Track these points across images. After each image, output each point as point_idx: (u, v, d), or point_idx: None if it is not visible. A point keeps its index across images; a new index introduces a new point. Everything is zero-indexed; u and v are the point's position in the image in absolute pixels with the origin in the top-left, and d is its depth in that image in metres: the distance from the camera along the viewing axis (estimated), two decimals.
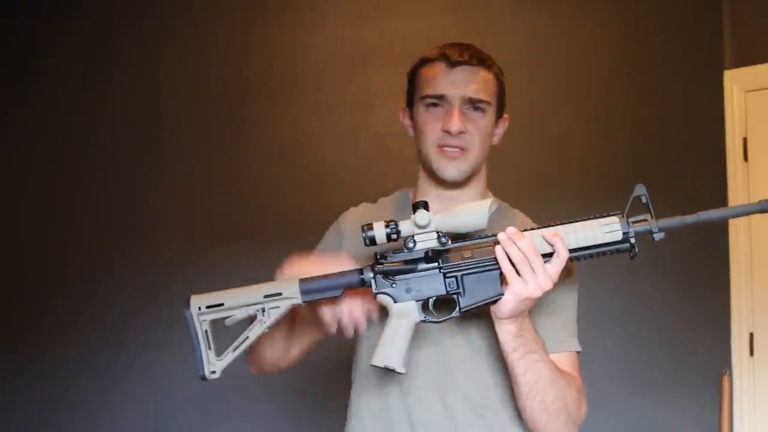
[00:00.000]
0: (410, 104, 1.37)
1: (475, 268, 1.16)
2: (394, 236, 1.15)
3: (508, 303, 1.13)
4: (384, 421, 1.28)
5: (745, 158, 2.78)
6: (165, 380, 2.70)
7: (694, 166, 2.79)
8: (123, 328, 2.71)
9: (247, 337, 1.18)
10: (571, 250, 1.13)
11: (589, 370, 2.72)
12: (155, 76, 2.88)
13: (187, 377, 2.69)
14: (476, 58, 1.30)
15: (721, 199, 2.77)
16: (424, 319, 1.17)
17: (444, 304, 1.18)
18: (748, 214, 1.15)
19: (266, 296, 1.18)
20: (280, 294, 1.18)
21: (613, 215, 1.14)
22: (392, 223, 1.15)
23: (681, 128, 2.80)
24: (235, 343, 1.18)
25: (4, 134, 2.89)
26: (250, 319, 1.19)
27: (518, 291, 1.12)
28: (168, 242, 2.78)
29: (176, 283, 2.75)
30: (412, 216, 1.15)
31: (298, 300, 1.18)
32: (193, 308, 1.19)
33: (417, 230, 1.15)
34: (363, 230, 1.15)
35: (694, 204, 2.86)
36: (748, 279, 2.75)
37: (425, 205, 1.16)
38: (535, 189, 2.76)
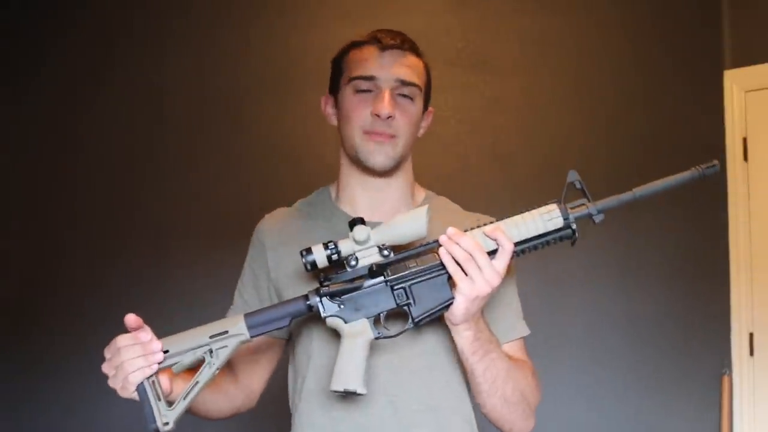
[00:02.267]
0: (334, 91, 1.32)
1: (421, 275, 1.13)
2: (334, 257, 1.12)
3: (459, 306, 1.11)
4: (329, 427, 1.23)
5: (745, 158, 2.78)
6: None
7: (693, 166, 2.79)
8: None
9: (197, 382, 1.12)
10: (515, 244, 1.11)
11: (590, 370, 2.74)
12: (155, 76, 2.88)
13: None
14: (408, 42, 1.28)
15: (721, 199, 2.77)
16: (377, 335, 1.14)
17: (396, 316, 1.16)
18: (682, 183, 1.19)
19: (212, 336, 1.13)
20: (226, 332, 1.13)
21: (551, 203, 1.14)
22: (331, 243, 1.12)
23: (681, 128, 2.80)
24: (185, 390, 1.12)
25: (5, 133, 2.89)
26: (199, 363, 1.13)
27: (467, 291, 1.10)
28: (168, 242, 2.78)
29: (177, 283, 2.76)
30: (350, 233, 1.12)
31: (245, 336, 1.13)
32: None
33: (357, 247, 1.12)
34: (302, 255, 1.12)
35: (693, 204, 2.88)
36: (748, 279, 2.75)
37: (361, 221, 1.13)
38: (535, 189, 2.75)
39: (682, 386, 2.70)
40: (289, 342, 1.34)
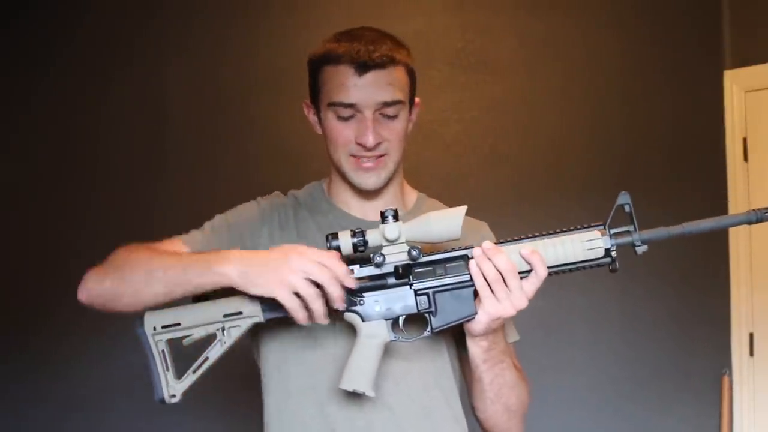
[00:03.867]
0: (314, 101, 1.26)
1: (447, 285, 1.09)
2: (361, 248, 1.08)
3: (481, 322, 1.08)
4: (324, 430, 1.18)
5: (745, 158, 2.78)
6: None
7: (694, 166, 2.79)
8: (128, 329, 2.70)
9: (207, 358, 1.11)
10: (549, 267, 1.07)
11: (590, 370, 2.74)
12: (161, 75, 2.87)
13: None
14: (386, 56, 1.17)
15: (721, 199, 2.77)
16: (394, 339, 1.11)
17: (414, 319, 1.13)
18: (734, 225, 1.12)
19: (226, 315, 1.11)
20: (240, 313, 1.10)
21: (595, 227, 1.08)
22: (359, 232, 1.08)
23: (681, 128, 2.80)
24: (195, 365, 1.11)
25: (12, 134, 2.89)
26: (210, 338, 1.12)
27: (491, 311, 1.07)
28: None
29: None
30: (381, 226, 1.08)
31: (259, 318, 1.11)
32: (148, 327, 1.12)
33: (386, 242, 1.09)
34: (327, 240, 1.08)
35: (693, 204, 2.88)
36: (748, 279, 2.75)
37: (394, 214, 1.09)
38: (534, 189, 2.76)
39: (682, 386, 2.71)
40: (259, 331, 1.24)
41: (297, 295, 1.04)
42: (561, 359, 2.67)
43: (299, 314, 1.05)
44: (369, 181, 1.22)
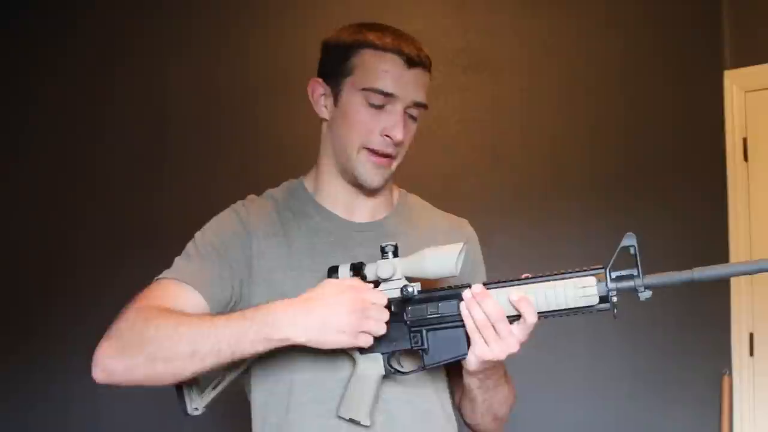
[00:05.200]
0: (332, 82, 1.21)
1: (440, 323, 1.08)
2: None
3: (471, 362, 1.08)
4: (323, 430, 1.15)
5: (745, 158, 2.78)
6: (154, 395, 2.70)
7: (693, 166, 2.79)
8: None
9: (224, 377, 1.15)
10: (540, 312, 1.03)
11: (590, 370, 2.74)
12: (161, 76, 2.87)
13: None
14: (428, 59, 1.19)
15: (721, 199, 2.77)
16: (390, 371, 1.12)
17: (409, 351, 1.13)
18: (746, 273, 1.04)
19: None
20: None
21: (595, 271, 1.02)
22: (358, 264, 1.10)
23: (681, 128, 2.80)
24: (215, 382, 1.14)
25: (13, 135, 2.89)
26: None
27: (480, 354, 1.05)
28: (174, 243, 2.77)
29: None
30: (377, 262, 1.09)
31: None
32: None
33: (381, 279, 1.09)
34: (328, 274, 1.10)
35: (693, 204, 2.87)
36: (748, 279, 2.75)
37: (394, 250, 1.09)
38: (535, 189, 2.76)
39: (682, 386, 2.70)
40: None
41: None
42: (561, 359, 2.67)
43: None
44: (375, 179, 1.19)
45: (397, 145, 1.17)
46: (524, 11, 2.84)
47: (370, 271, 1.10)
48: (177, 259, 1.21)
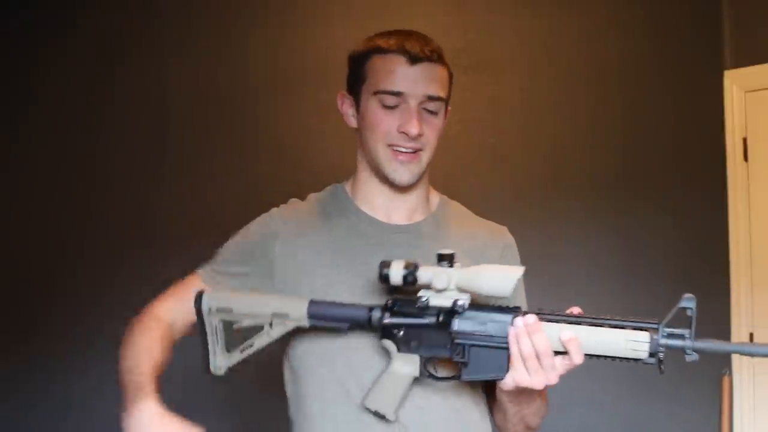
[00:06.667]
0: (353, 92, 1.27)
1: (485, 342, 1.09)
2: (410, 280, 1.09)
3: (508, 384, 1.09)
4: (356, 423, 1.19)
5: (745, 158, 2.79)
6: (166, 382, 2.70)
7: (693, 166, 2.79)
8: (126, 329, 2.70)
9: (252, 344, 1.18)
10: (586, 354, 1.05)
11: (589, 369, 2.73)
12: (161, 76, 2.87)
13: (187, 377, 2.70)
14: (436, 53, 1.22)
15: (721, 199, 2.77)
16: (424, 374, 1.13)
17: (445, 359, 1.14)
18: None
19: (273, 314, 1.17)
20: (287, 315, 1.16)
21: (649, 326, 1.05)
22: (413, 266, 1.10)
23: (681, 128, 2.81)
24: (243, 346, 1.18)
25: (13, 135, 2.89)
26: (258, 326, 1.19)
27: (519, 380, 1.06)
28: (174, 243, 2.78)
29: None
30: (433, 268, 1.09)
31: (304, 324, 1.16)
32: (204, 306, 1.20)
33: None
34: (380, 266, 1.11)
35: (693, 204, 2.87)
36: (748, 278, 2.75)
37: (451, 260, 1.09)
38: (535, 189, 2.76)
39: (682, 387, 2.70)
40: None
41: None
42: None
43: None
44: (404, 175, 1.24)
45: (414, 139, 1.21)
46: (524, 11, 2.84)
47: (424, 275, 1.10)
48: (216, 253, 1.34)
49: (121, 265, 2.76)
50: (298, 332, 1.24)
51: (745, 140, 2.79)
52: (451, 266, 1.10)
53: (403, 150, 1.22)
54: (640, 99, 2.82)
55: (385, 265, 1.10)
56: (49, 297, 2.79)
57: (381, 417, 1.13)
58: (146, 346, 1.23)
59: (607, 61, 2.83)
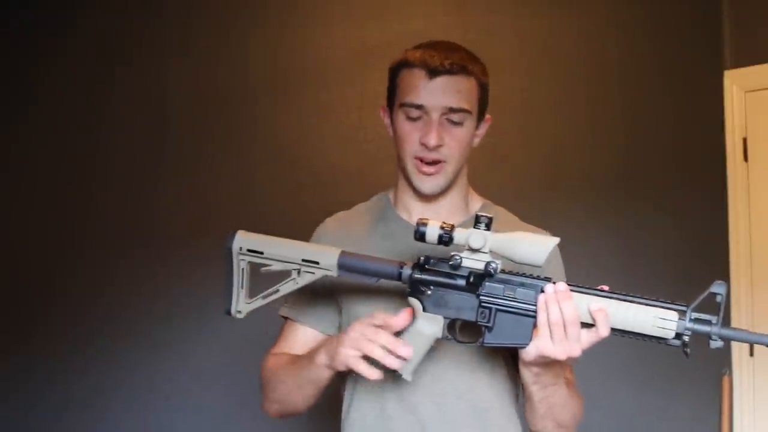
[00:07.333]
0: (390, 104, 1.33)
1: (513, 308, 1.10)
2: (445, 239, 1.10)
3: (529, 354, 1.09)
4: (381, 428, 1.25)
5: (745, 158, 2.79)
6: (166, 381, 2.70)
7: (693, 166, 2.79)
8: (129, 329, 2.70)
9: (278, 290, 1.19)
10: (613, 329, 1.06)
11: (589, 369, 2.73)
12: (161, 76, 2.87)
13: (187, 378, 2.70)
14: (458, 65, 1.26)
15: (721, 199, 2.77)
16: (443, 337, 1.14)
17: (470, 324, 1.15)
18: None
19: (304, 260, 1.17)
20: (317, 263, 1.17)
21: (678, 307, 1.06)
22: (449, 226, 1.10)
23: (681, 128, 2.81)
24: (267, 292, 1.19)
25: (12, 134, 2.89)
26: (285, 273, 1.19)
27: (542, 348, 1.07)
28: (173, 243, 2.78)
29: (181, 285, 2.76)
30: (470, 230, 1.10)
31: (333, 273, 1.16)
32: (236, 246, 1.20)
33: (468, 248, 1.11)
34: (417, 224, 1.11)
35: (693, 204, 2.87)
36: (748, 279, 2.75)
37: (488, 223, 1.10)
38: (535, 189, 2.76)
39: (683, 386, 2.70)
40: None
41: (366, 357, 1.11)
42: None
43: (371, 374, 1.11)
44: (427, 185, 1.28)
45: (433, 149, 1.24)
46: (524, 11, 2.84)
47: (460, 236, 1.10)
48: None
49: (120, 265, 2.76)
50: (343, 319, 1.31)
51: (745, 140, 2.79)
52: (488, 230, 1.10)
53: (426, 165, 1.26)
54: (640, 99, 2.82)
55: (422, 223, 1.11)
56: (49, 297, 2.79)
57: (398, 376, 1.14)
58: (277, 360, 1.32)
59: (607, 61, 2.83)
